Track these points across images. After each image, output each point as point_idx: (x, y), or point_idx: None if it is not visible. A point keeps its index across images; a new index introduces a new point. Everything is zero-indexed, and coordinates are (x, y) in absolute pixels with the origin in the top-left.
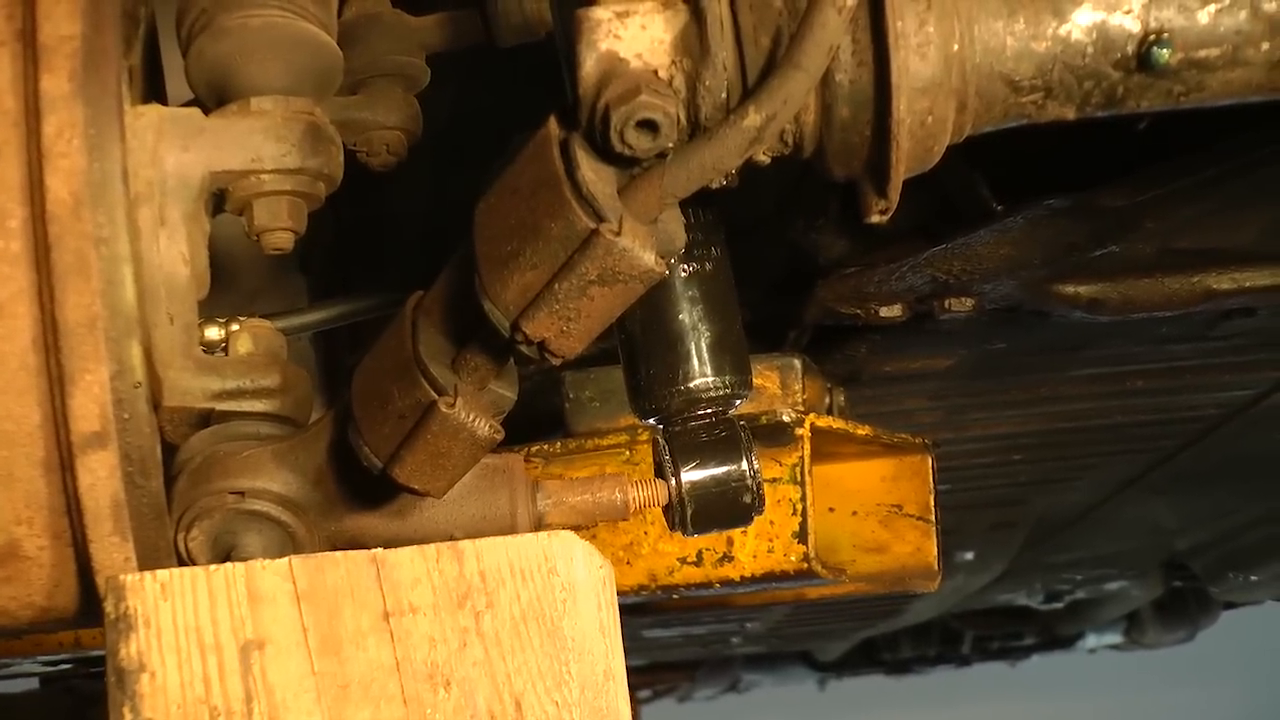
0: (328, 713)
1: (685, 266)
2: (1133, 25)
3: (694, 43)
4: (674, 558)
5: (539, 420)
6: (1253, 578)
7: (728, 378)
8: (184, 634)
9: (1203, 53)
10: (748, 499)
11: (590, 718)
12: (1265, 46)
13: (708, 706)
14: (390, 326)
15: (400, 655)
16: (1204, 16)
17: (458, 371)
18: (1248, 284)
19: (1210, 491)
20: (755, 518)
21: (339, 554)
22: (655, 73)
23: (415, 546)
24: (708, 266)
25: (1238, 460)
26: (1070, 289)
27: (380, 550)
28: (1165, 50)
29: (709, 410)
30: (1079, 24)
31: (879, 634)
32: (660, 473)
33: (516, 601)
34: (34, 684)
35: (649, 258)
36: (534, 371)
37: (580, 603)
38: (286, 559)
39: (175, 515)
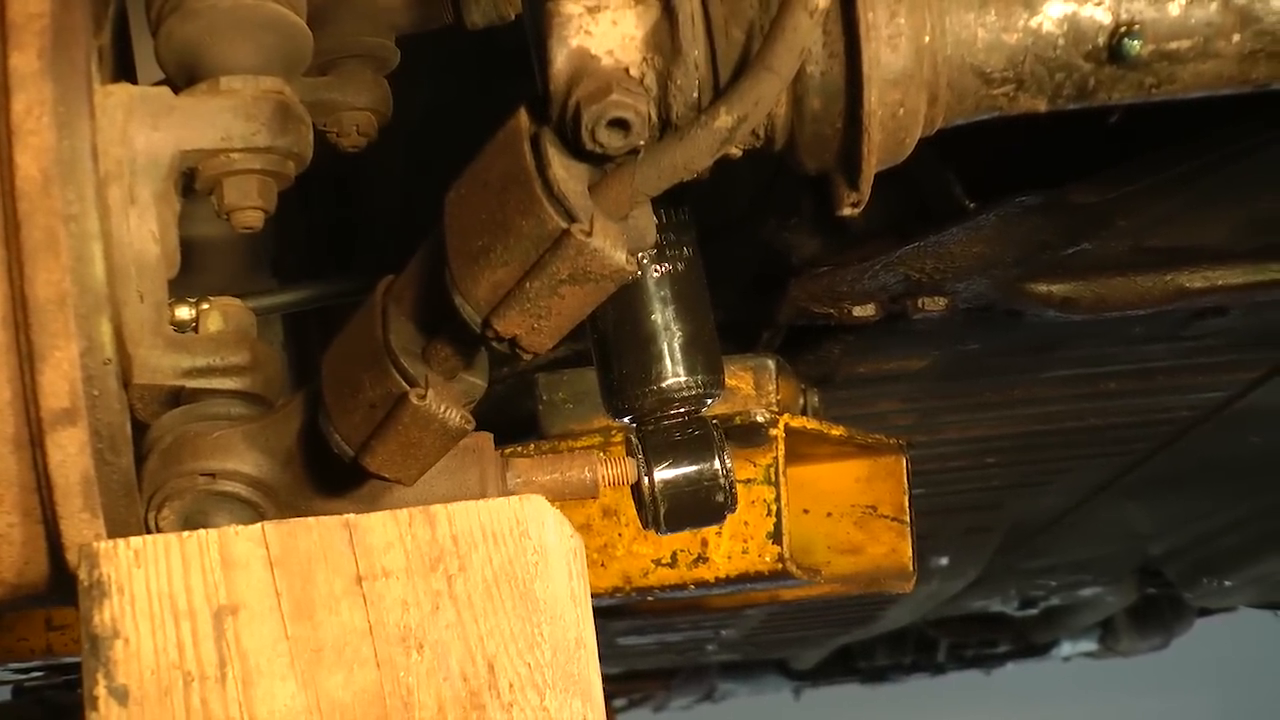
0: (301, 677)
1: (657, 267)
2: (1104, 17)
3: (665, 40)
4: (649, 559)
5: (512, 423)
6: (1227, 583)
7: (700, 377)
8: (157, 600)
9: (1174, 44)
10: (720, 498)
11: (562, 682)
12: (1236, 38)
13: (683, 715)
14: (360, 311)
15: (373, 619)
16: (1175, 8)
17: (428, 361)
18: (1220, 282)
19: (1184, 495)
20: (728, 516)
21: (311, 519)
22: (627, 70)
23: (388, 511)
24: (680, 267)
25: (1211, 463)
26: (1043, 287)
27: (352, 515)
28: (1136, 42)
29: (681, 410)
30: (1050, 16)
31: (854, 642)
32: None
33: (489, 565)
34: (5, 694)
35: (620, 257)
36: (507, 374)
37: (552, 566)
38: (259, 525)
39: (146, 494)
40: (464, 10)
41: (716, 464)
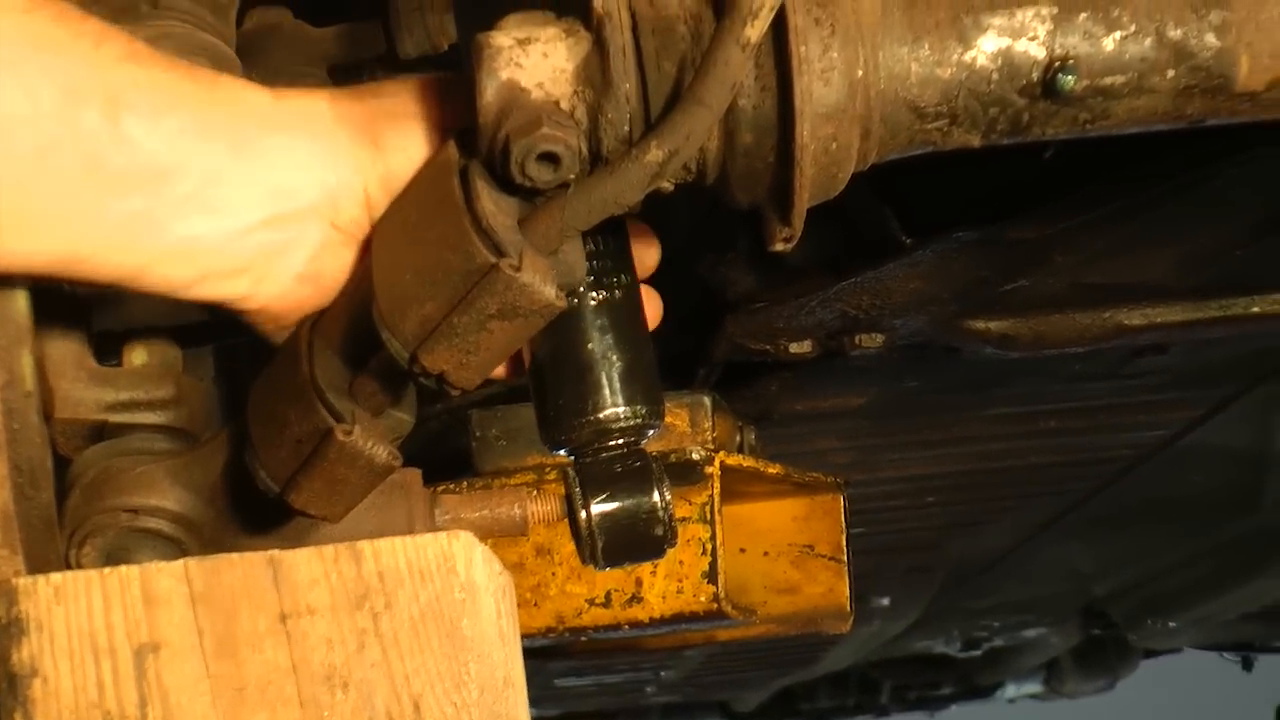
0: (224, 716)
1: (594, 294)
2: (1038, 52)
3: (596, 73)
4: (582, 599)
5: (446, 460)
6: (1171, 624)
7: (639, 407)
8: (77, 638)
9: (1108, 80)
10: (659, 531)
11: None
12: (1170, 74)
13: None
14: (285, 345)
15: (297, 657)
16: (1109, 44)
17: (355, 397)
18: (1159, 320)
19: (1127, 535)
20: (667, 550)
21: (235, 555)
22: (557, 103)
23: (313, 547)
24: (617, 294)
25: (1154, 503)
26: (981, 324)
27: (277, 551)
28: (1070, 77)
29: (620, 441)
30: (984, 50)
31: (796, 683)
32: (570, 505)
33: (415, 602)
34: None
35: (549, 292)
36: (441, 410)
37: (480, 603)
38: (182, 561)
39: (67, 531)
40: (398, 40)
41: (655, 496)
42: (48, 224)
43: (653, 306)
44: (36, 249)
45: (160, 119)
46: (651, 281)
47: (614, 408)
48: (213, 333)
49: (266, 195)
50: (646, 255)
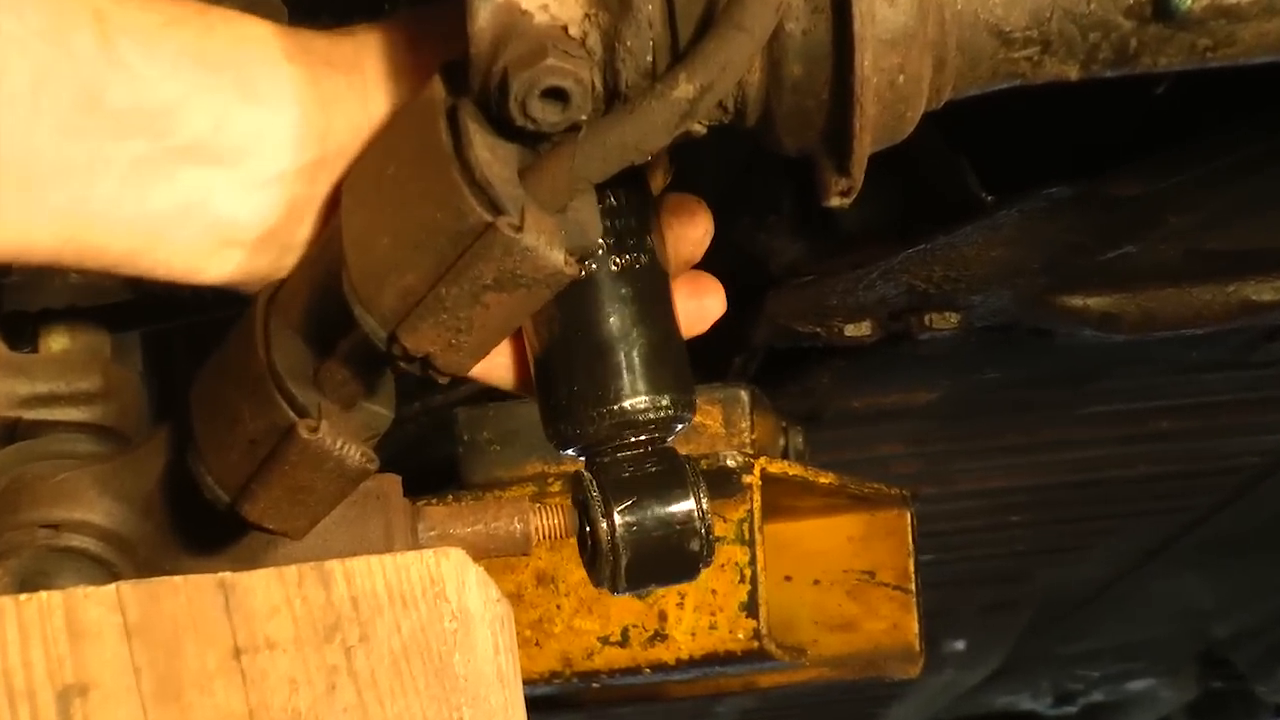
0: None
1: (615, 259)
2: None
3: None
4: (594, 637)
5: (427, 470)
6: None
7: (668, 396)
8: None
9: None
10: (695, 545)
11: None
12: None
13: None
14: (238, 326)
15: (254, 701)
16: None
17: (322, 386)
18: None
19: (1254, 563)
20: (703, 568)
21: (178, 579)
22: (565, 29)
23: (272, 569)
24: (642, 259)
25: None
26: (1077, 301)
27: (229, 574)
28: None
29: (644, 437)
30: None
31: None
32: (586, 514)
33: (396, 633)
34: None
35: (557, 257)
36: (419, 410)
37: (474, 635)
38: (114, 586)
39: None
40: None
41: (690, 503)
42: (48, 182)
43: (711, 299)
44: (37, 217)
45: (156, 42)
46: None
47: (637, 396)
48: (145, 314)
49: (291, 140)
50: (693, 231)
